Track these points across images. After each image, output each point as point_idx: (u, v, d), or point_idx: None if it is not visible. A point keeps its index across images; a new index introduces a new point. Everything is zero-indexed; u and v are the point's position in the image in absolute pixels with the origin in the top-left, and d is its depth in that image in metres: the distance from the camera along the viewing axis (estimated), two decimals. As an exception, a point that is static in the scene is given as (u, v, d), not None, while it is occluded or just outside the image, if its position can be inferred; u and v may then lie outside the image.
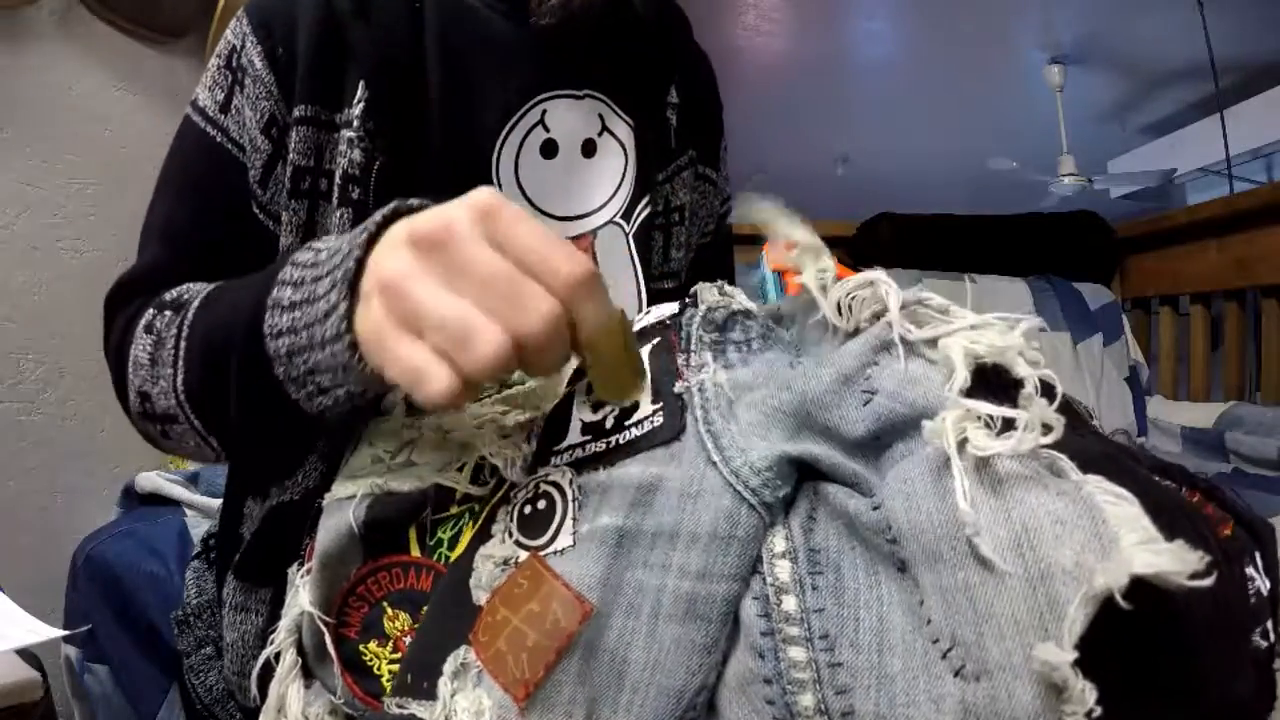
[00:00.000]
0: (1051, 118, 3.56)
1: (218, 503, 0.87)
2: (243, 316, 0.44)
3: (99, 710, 1.01)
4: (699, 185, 0.72)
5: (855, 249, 1.77)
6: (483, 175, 0.60)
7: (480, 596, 0.37)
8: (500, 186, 0.60)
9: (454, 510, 0.44)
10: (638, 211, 0.66)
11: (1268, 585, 0.31)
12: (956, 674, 0.28)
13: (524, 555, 0.37)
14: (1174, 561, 0.25)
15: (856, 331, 0.37)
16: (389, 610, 0.43)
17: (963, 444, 0.30)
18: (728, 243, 0.79)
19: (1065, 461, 0.29)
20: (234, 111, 0.57)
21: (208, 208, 0.58)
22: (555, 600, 0.34)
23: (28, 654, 0.55)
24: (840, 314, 0.38)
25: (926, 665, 0.29)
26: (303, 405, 0.43)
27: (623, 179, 0.66)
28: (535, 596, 0.35)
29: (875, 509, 0.32)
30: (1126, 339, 1.69)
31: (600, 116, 0.65)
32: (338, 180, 0.56)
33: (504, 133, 0.61)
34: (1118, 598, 0.25)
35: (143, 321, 0.52)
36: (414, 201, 0.39)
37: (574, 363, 0.46)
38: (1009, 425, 0.30)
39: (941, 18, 3.05)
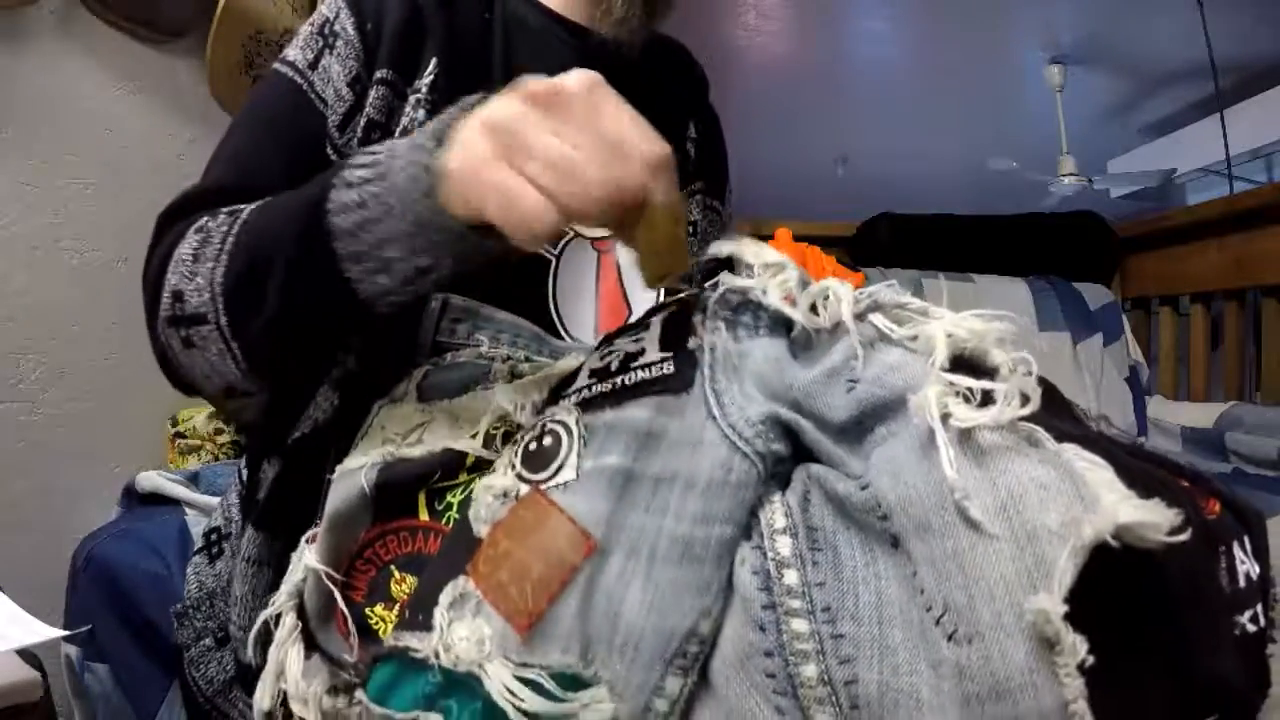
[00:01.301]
0: (1051, 118, 3.55)
1: (218, 500, 0.87)
2: (299, 203, 0.47)
3: (99, 709, 1.01)
4: (707, 213, 0.79)
5: (855, 249, 1.77)
6: None
7: (480, 529, 0.38)
8: None
9: (464, 478, 0.44)
10: None
11: (1257, 570, 0.31)
12: (950, 639, 0.29)
13: (525, 489, 0.37)
14: (1153, 514, 0.26)
15: (838, 328, 0.39)
16: (396, 574, 0.43)
17: (946, 418, 0.31)
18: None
19: (1042, 433, 0.30)
20: (321, 70, 0.63)
21: (279, 141, 0.62)
22: (560, 534, 0.35)
23: (28, 654, 0.55)
24: (817, 314, 0.39)
25: (923, 633, 0.30)
26: (357, 286, 0.45)
27: None
28: (540, 529, 0.36)
29: (864, 489, 0.33)
30: (1126, 339, 1.69)
31: None
32: (397, 135, 0.61)
33: None
34: (1109, 540, 0.26)
35: (195, 225, 0.54)
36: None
37: (578, 359, 0.47)
38: (987, 402, 0.32)
39: (941, 18, 3.05)
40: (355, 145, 0.60)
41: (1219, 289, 1.57)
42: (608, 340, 0.46)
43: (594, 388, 0.41)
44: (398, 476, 0.44)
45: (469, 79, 0.63)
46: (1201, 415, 1.47)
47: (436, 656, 0.35)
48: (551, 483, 0.37)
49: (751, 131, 3.62)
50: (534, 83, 0.39)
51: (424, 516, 0.43)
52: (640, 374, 0.40)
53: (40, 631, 0.56)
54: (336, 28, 0.64)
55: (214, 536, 0.72)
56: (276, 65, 0.65)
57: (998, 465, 0.30)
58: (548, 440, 0.39)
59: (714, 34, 3.12)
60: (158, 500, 1.18)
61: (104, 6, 1.34)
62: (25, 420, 1.28)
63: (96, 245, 1.34)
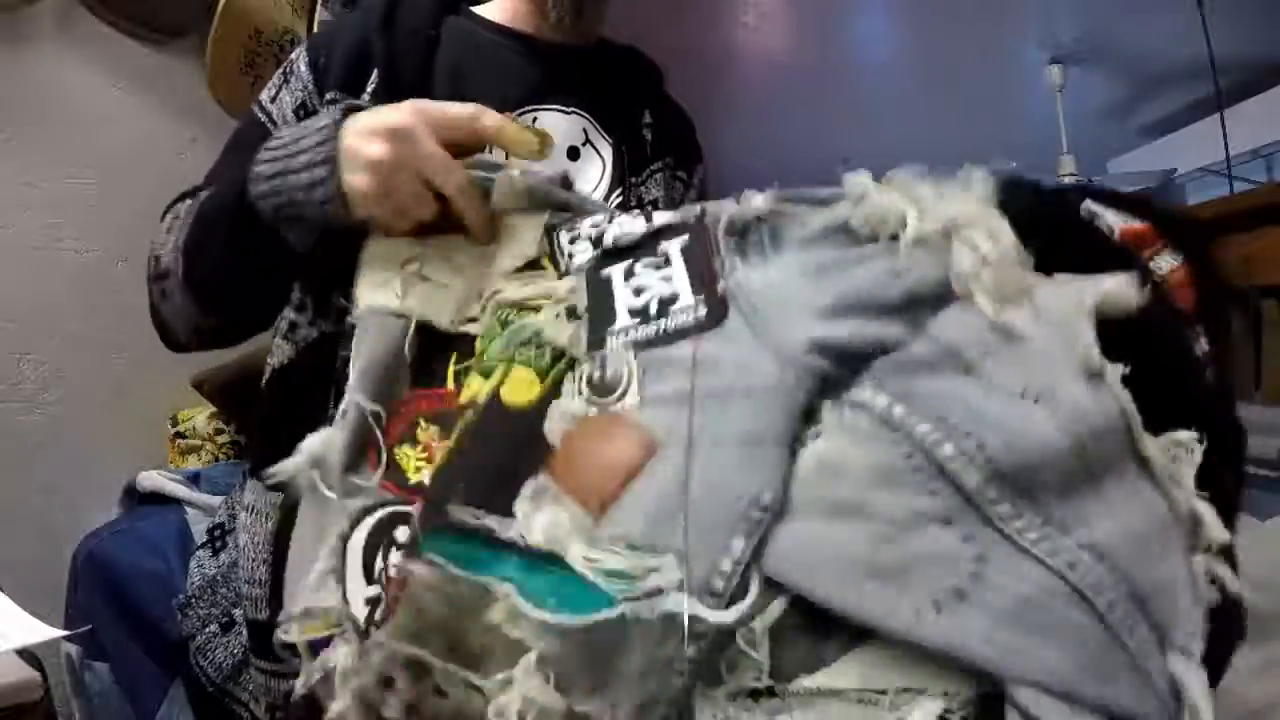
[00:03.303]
0: (1051, 118, 3.55)
1: (219, 500, 0.87)
2: (232, 181, 0.63)
3: (99, 708, 1.01)
4: (672, 183, 0.86)
5: (855, 249, 1.77)
6: None
7: (555, 437, 0.45)
8: None
9: (480, 347, 0.53)
10: (613, 199, 0.80)
11: (1180, 262, 0.45)
12: (1036, 401, 0.39)
13: (594, 410, 0.46)
14: (1121, 287, 0.41)
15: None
16: (422, 424, 0.52)
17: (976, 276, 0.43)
18: None
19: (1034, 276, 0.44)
20: (279, 102, 0.77)
21: (245, 163, 0.76)
22: (628, 435, 0.43)
23: (28, 654, 0.55)
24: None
25: (1015, 406, 0.39)
26: (266, 218, 0.60)
27: (601, 178, 0.80)
28: (609, 434, 0.44)
29: (931, 341, 0.42)
30: (1126, 339, 1.69)
31: (584, 130, 0.81)
32: None
33: None
34: (1103, 306, 0.41)
35: (173, 210, 0.72)
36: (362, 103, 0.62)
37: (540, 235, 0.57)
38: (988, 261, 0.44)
39: (941, 18, 3.05)
40: None
41: (1219, 289, 1.57)
42: (624, 254, 0.52)
43: (640, 329, 0.48)
44: (429, 345, 0.54)
45: (409, 88, 0.72)
46: (1201, 415, 1.47)
47: (522, 538, 0.41)
48: (618, 406, 0.45)
49: (752, 131, 3.62)
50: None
51: (450, 387, 0.53)
52: (681, 318, 0.48)
53: (40, 631, 0.56)
54: (293, 67, 0.78)
55: (218, 533, 0.73)
56: (253, 105, 0.80)
57: (1031, 295, 0.42)
58: (609, 373, 0.47)
59: (714, 34, 3.12)
60: (158, 500, 1.18)
61: (104, 6, 1.35)
62: (25, 420, 1.28)
63: (96, 245, 1.35)
